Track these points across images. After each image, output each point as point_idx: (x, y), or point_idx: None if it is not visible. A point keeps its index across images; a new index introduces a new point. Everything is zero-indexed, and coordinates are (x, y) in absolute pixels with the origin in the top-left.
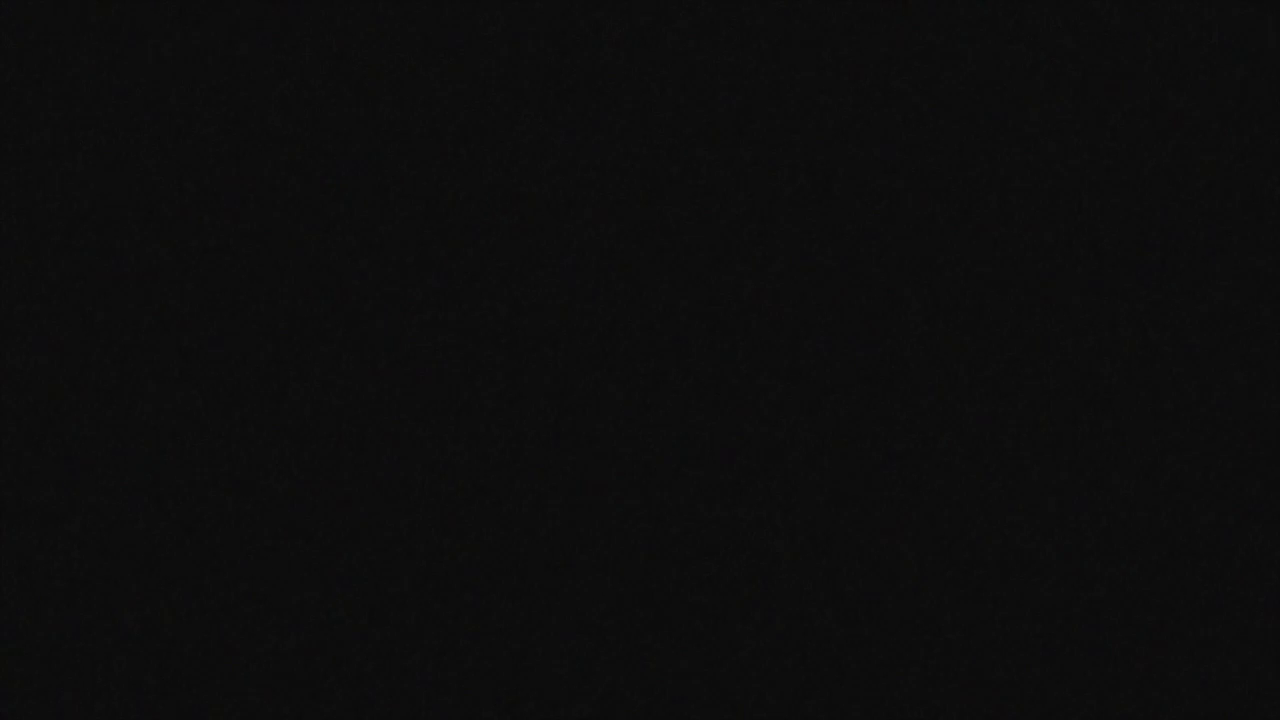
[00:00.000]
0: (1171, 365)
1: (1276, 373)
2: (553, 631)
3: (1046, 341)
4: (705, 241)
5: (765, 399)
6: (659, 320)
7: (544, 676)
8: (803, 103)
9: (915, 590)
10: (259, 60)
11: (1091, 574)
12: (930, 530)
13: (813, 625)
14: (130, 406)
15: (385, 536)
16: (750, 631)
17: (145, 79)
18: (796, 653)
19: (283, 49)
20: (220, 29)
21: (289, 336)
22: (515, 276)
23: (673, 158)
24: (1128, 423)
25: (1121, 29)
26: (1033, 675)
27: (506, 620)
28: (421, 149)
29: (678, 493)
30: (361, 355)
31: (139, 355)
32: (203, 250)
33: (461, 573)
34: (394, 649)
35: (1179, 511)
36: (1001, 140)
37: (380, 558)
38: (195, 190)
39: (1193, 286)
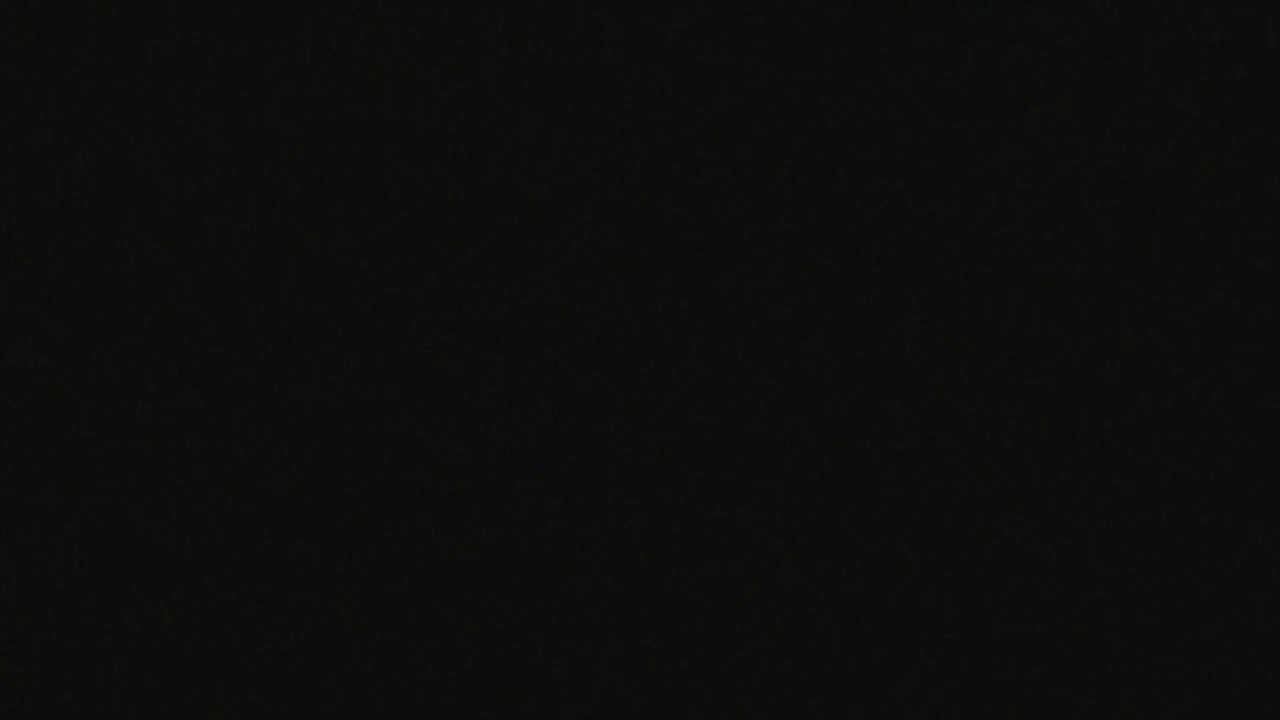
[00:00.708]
0: (1171, 365)
1: (1277, 373)
2: (553, 631)
3: (1046, 341)
4: (705, 241)
5: (765, 399)
6: (659, 320)
7: (544, 676)
8: (803, 103)
9: (915, 590)
10: (259, 60)
11: (1092, 574)
12: (930, 530)
13: (813, 625)
14: (130, 406)
15: (385, 536)
16: (750, 631)
17: (145, 79)
18: (796, 653)
19: (283, 49)
20: (220, 29)
21: (289, 336)
22: (515, 276)
23: (673, 158)
24: (1128, 423)
25: (1121, 29)
26: (1033, 675)
27: (507, 620)
28: (422, 149)
29: (678, 493)
30: (362, 355)
31: (139, 355)
32: (203, 250)
33: (462, 572)
34: (394, 649)
35: (1179, 511)
36: (1001, 140)
37: (380, 558)
38: (195, 190)
39: (1193, 286)
